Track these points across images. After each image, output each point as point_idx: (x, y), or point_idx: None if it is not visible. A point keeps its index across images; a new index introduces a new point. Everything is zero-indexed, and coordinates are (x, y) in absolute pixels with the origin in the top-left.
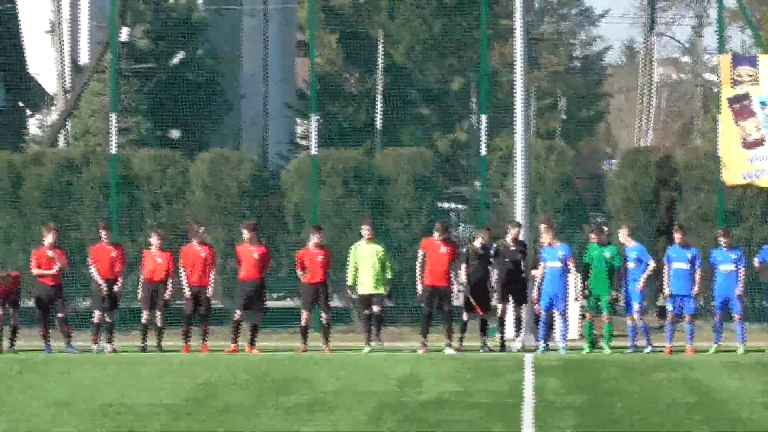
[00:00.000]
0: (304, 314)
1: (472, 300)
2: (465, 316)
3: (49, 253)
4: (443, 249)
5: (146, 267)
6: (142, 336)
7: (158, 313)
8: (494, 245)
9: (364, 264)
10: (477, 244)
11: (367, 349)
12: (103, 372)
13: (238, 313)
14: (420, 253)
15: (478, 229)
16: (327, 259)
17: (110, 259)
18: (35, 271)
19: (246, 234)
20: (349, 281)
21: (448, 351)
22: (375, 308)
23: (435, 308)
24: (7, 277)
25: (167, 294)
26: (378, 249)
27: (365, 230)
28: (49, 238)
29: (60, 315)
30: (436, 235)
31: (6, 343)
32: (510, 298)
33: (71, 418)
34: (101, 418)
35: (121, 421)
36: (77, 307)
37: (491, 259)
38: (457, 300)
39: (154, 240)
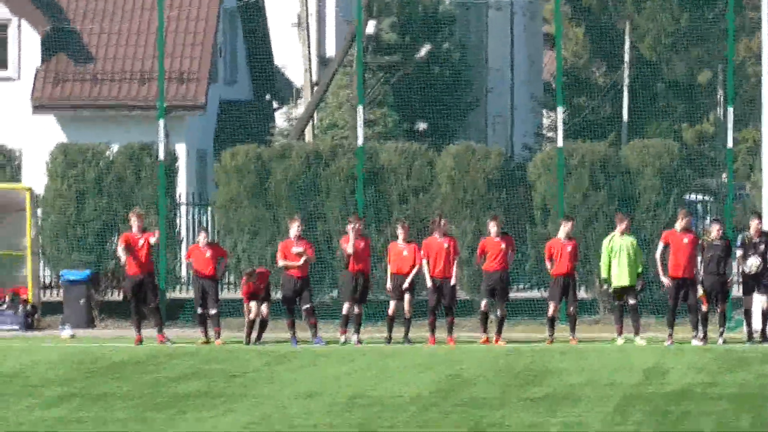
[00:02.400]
0: (551, 306)
1: (701, 292)
2: (704, 308)
3: (294, 249)
4: (686, 239)
5: (392, 259)
6: (388, 328)
7: (406, 305)
8: (740, 237)
9: (618, 256)
10: (713, 235)
11: (620, 341)
12: (351, 364)
13: (484, 303)
14: (661, 245)
15: (713, 221)
16: (575, 251)
17: (361, 251)
18: (281, 262)
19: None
20: (604, 274)
21: (695, 342)
22: (631, 301)
23: (681, 300)
24: (252, 274)
25: (406, 284)
26: (631, 241)
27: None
28: (293, 230)
29: (306, 306)
30: (677, 225)
31: (254, 336)
32: (756, 290)
33: (319, 410)
34: (349, 409)
35: (368, 413)
36: (324, 299)
37: (729, 252)
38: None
39: (400, 232)
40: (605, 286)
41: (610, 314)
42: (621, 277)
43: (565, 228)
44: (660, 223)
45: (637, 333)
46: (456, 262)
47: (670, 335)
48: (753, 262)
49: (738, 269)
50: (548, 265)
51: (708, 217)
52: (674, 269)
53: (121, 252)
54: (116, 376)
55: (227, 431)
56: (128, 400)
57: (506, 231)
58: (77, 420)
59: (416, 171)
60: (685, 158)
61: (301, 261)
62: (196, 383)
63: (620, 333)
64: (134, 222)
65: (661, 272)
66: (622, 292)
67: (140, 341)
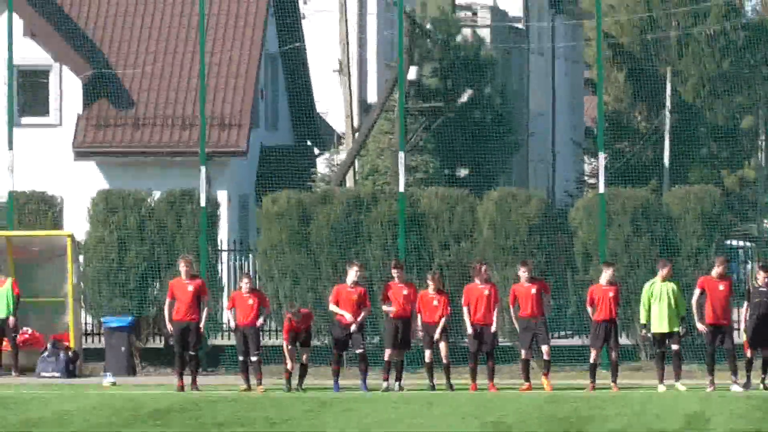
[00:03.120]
0: (593, 352)
1: (744, 338)
2: (748, 354)
3: (350, 289)
4: (721, 286)
5: (423, 308)
6: (428, 374)
7: (443, 351)
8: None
9: (659, 302)
10: (759, 281)
11: (662, 388)
12: (394, 411)
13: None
14: (697, 291)
15: (761, 267)
16: (617, 297)
17: (405, 297)
18: (332, 307)
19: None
20: (643, 320)
21: (734, 388)
22: (674, 346)
23: (718, 345)
24: (296, 313)
25: (436, 335)
26: (673, 287)
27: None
28: (351, 275)
29: (358, 351)
30: (714, 272)
31: (294, 382)
32: None
33: None
34: None
35: None
36: (368, 344)
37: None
38: (740, 338)
39: (430, 283)
40: (644, 332)
41: (651, 361)
42: (662, 323)
43: (606, 273)
44: (702, 268)
45: (678, 379)
46: (497, 308)
47: (711, 381)
48: None
49: None
50: (590, 310)
51: (750, 263)
52: (710, 316)
53: (166, 307)
54: (158, 423)
55: None
56: None
57: (537, 276)
58: None
59: (458, 216)
60: (726, 204)
61: (350, 317)
62: (238, 430)
63: (662, 380)
64: (182, 268)
65: (696, 319)
66: (663, 338)
67: (182, 388)
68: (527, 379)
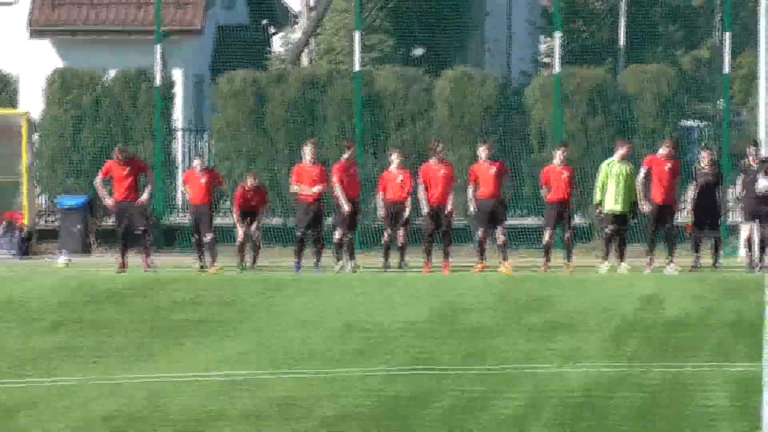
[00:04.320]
0: (546, 233)
1: (689, 220)
2: (688, 234)
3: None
4: (667, 166)
5: (387, 186)
6: (384, 255)
7: (400, 232)
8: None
9: (615, 182)
10: (703, 163)
11: (605, 267)
12: (349, 292)
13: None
14: (643, 170)
15: (702, 149)
16: (571, 178)
17: (353, 177)
18: (294, 187)
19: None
20: (598, 198)
21: (669, 269)
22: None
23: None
24: (252, 177)
25: (407, 213)
26: (628, 168)
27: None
28: (308, 154)
29: (317, 232)
30: (660, 151)
31: (248, 260)
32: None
33: (317, 337)
34: (346, 336)
35: (366, 340)
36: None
37: (720, 179)
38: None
39: (395, 159)
40: (597, 210)
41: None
42: (616, 203)
43: (559, 154)
44: (657, 148)
45: (622, 260)
46: (453, 188)
47: (651, 261)
48: (765, 185)
49: (737, 194)
50: (544, 191)
51: (703, 143)
52: (656, 195)
53: (97, 183)
54: (113, 304)
55: (225, 358)
56: (125, 327)
57: (497, 156)
58: (75, 347)
59: (413, 96)
60: (682, 84)
61: (316, 189)
62: (193, 311)
63: (606, 258)
64: (118, 153)
65: (640, 198)
66: (615, 218)
67: (124, 267)
68: (482, 258)
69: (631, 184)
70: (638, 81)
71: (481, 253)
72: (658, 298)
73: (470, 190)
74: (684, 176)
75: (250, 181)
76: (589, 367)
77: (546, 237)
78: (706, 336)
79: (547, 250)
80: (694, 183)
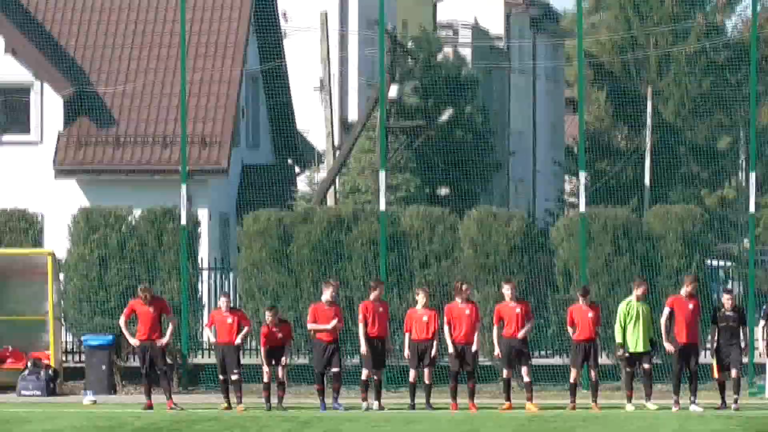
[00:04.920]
0: (573, 372)
1: (714, 362)
2: (716, 376)
3: (327, 308)
4: (690, 305)
5: (413, 326)
6: (410, 394)
7: (427, 371)
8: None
9: (634, 322)
10: (725, 306)
11: (630, 407)
12: (375, 429)
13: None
14: (666, 310)
15: (724, 291)
16: (597, 317)
17: (380, 315)
18: (311, 326)
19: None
20: (619, 338)
21: (693, 408)
22: (645, 365)
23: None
24: (274, 309)
25: (433, 352)
26: (646, 307)
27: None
28: (327, 294)
29: (335, 370)
30: (683, 291)
31: (274, 401)
32: None
33: None
34: None
35: None
36: (346, 365)
37: (743, 320)
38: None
39: (421, 298)
40: (620, 351)
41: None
42: (637, 343)
43: (581, 297)
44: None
45: (649, 398)
46: (478, 328)
47: (677, 401)
48: None
49: (762, 335)
50: (570, 330)
51: (730, 282)
52: (680, 335)
53: (122, 323)
54: None
55: None
56: None
57: (522, 297)
58: None
59: (438, 235)
60: (707, 223)
61: (331, 325)
62: None
63: (630, 399)
64: (141, 294)
65: (664, 338)
66: (635, 358)
67: (150, 407)
68: (508, 398)
69: (649, 322)
70: (663, 220)
71: (507, 392)
72: None
73: (495, 330)
74: (706, 315)
75: (268, 316)
76: None
77: (572, 376)
78: None
79: (573, 390)
80: (714, 324)
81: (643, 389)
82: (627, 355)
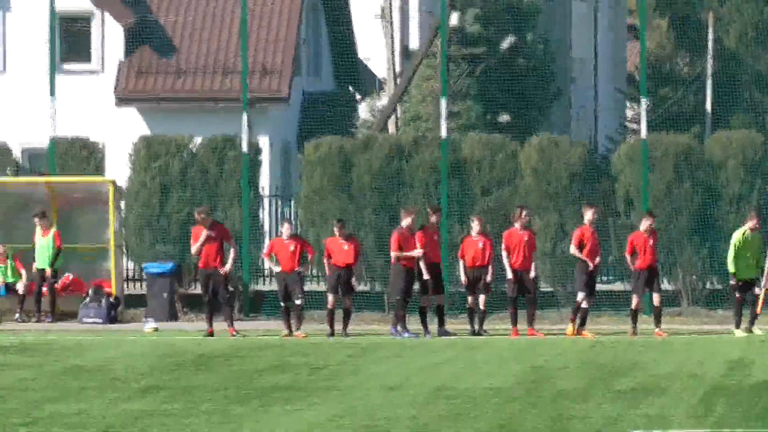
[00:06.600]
0: (634, 299)
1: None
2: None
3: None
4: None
5: (467, 253)
6: (469, 320)
7: (482, 297)
8: None
9: (747, 250)
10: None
11: (740, 333)
12: (435, 356)
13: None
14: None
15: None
16: (656, 243)
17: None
18: (396, 253)
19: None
20: (732, 268)
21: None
22: (757, 290)
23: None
24: (344, 224)
25: (488, 278)
26: (759, 236)
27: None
28: (408, 221)
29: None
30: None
31: (339, 327)
32: None
33: (403, 401)
34: (433, 401)
35: (452, 405)
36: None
37: None
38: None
39: (475, 225)
40: (734, 280)
41: (693, 307)
42: (748, 271)
43: (646, 223)
44: (743, 215)
45: (753, 323)
46: (534, 254)
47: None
48: None
49: None
50: (628, 259)
51: None
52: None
53: (194, 249)
54: (200, 369)
55: (311, 424)
56: (213, 393)
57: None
58: (161, 413)
59: (499, 163)
60: None
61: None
62: (280, 376)
63: (738, 324)
64: (198, 216)
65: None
66: (745, 285)
67: (212, 334)
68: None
69: (760, 251)
70: (724, 147)
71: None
72: (746, 363)
73: (574, 250)
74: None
75: (336, 230)
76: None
77: (634, 303)
78: None
79: (634, 316)
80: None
81: (750, 315)
82: (739, 283)
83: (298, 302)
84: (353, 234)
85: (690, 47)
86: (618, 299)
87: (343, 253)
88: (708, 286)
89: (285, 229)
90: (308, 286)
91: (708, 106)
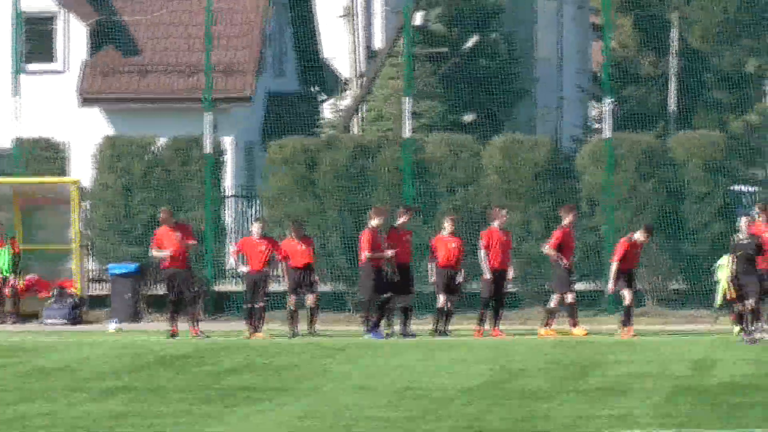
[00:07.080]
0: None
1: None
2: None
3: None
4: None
5: (440, 252)
6: (435, 320)
7: (450, 297)
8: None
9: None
10: (742, 234)
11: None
12: (403, 356)
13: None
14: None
15: (744, 214)
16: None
17: (406, 244)
18: (366, 254)
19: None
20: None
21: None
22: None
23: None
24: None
25: (460, 278)
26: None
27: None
28: (377, 221)
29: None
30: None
31: (302, 328)
32: None
33: (371, 401)
34: (401, 401)
35: (420, 404)
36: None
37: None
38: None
39: (448, 225)
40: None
41: (658, 307)
42: None
43: (644, 236)
44: (706, 214)
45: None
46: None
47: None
48: None
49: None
50: (615, 265)
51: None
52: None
53: (154, 253)
54: (166, 370)
55: (278, 424)
56: (179, 393)
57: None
58: (126, 414)
59: (462, 162)
60: (732, 149)
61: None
62: (246, 376)
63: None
64: (163, 215)
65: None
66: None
67: (175, 334)
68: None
69: None
70: (688, 146)
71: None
72: (710, 363)
73: (549, 250)
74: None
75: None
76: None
77: (627, 300)
78: (760, 400)
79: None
80: (733, 254)
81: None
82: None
83: (259, 304)
84: (307, 234)
85: (654, 46)
86: (584, 299)
87: (300, 254)
88: (672, 286)
89: (256, 229)
90: (270, 287)
91: (671, 105)
